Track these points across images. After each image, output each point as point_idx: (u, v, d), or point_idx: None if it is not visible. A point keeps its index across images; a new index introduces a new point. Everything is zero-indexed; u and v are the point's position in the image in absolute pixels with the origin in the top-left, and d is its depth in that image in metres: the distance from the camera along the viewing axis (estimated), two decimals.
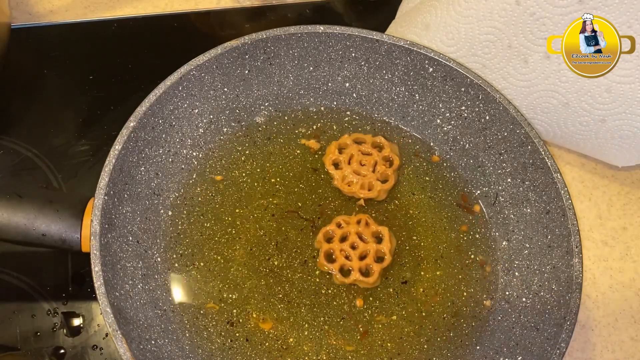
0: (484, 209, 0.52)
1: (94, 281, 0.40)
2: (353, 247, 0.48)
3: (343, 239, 0.48)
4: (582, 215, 0.57)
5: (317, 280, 0.48)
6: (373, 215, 0.50)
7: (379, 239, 0.48)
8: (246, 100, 0.53)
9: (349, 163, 0.51)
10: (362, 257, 0.48)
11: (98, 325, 0.48)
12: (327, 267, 0.47)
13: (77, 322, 0.48)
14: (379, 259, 0.48)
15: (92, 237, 0.41)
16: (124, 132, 0.45)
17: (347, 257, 0.47)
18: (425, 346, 0.46)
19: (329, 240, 0.48)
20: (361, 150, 0.51)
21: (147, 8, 0.64)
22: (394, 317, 0.47)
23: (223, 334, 0.45)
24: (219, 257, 0.48)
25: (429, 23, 0.53)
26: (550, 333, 0.43)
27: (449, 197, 0.52)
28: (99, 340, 0.47)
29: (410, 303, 0.48)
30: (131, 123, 0.45)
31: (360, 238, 0.48)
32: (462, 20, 0.51)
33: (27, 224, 0.42)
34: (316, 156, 0.53)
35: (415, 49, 0.51)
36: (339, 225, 0.49)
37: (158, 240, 0.48)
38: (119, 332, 0.39)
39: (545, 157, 0.48)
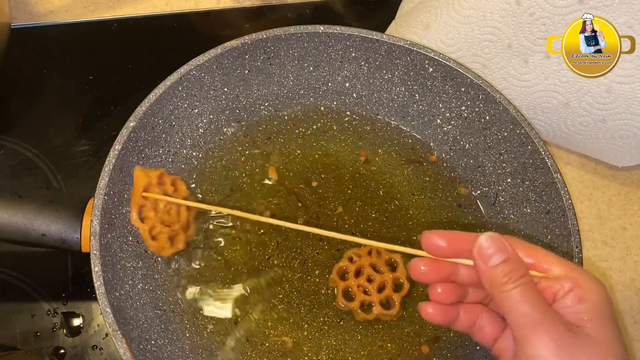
0: (482, 209, 0.52)
1: (94, 281, 0.40)
2: (369, 280, 0.47)
3: (357, 273, 0.47)
4: (582, 215, 0.57)
5: (317, 280, 0.48)
6: (373, 215, 0.50)
7: (393, 267, 0.48)
8: (246, 100, 0.53)
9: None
10: (380, 289, 0.47)
11: (98, 325, 0.48)
12: (347, 305, 0.46)
13: (77, 322, 0.48)
14: (397, 287, 0.47)
15: (92, 237, 0.41)
16: (124, 132, 0.45)
17: (365, 292, 0.46)
18: (426, 346, 0.46)
19: (343, 277, 0.47)
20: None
21: (147, 8, 0.64)
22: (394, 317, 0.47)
23: (223, 334, 0.45)
24: (219, 257, 0.48)
25: (429, 23, 0.54)
26: None
27: (449, 197, 0.52)
28: (99, 340, 0.47)
29: (410, 303, 0.47)
30: (131, 123, 0.45)
31: (375, 269, 0.47)
32: (462, 20, 0.51)
33: (27, 224, 0.42)
34: (316, 157, 0.53)
35: (415, 49, 0.51)
36: (350, 260, 0.47)
37: None
38: (119, 332, 0.39)
39: (545, 157, 0.48)
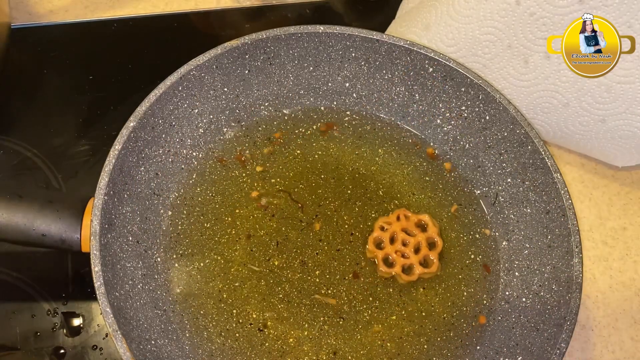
0: (482, 209, 0.52)
1: (94, 281, 0.40)
2: (404, 244, 0.48)
3: (392, 240, 0.49)
4: (582, 215, 0.57)
5: (317, 280, 0.48)
6: (373, 215, 0.50)
7: (423, 228, 0.49)
8: (246, 100, 0.53)
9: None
10: (416, 251, 0.48)
11: (98, 325, 0.48)
12: (389, 272, 0.48)
13: (77, 322, 0.48)
14: (431, 245, 0.49)
15: (92, 237, 0.41)
16: (124, 132, 0.45)
17: (403, 256, 0.48)
18: (425, 346, 0.46)
19: (379, 246, 0.49)
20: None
21: (147, 8, 0.64)
22: (394, 317, 0.47)
23: (223, 334, 0.45)
24: (219, 257, 0.48)
25: (429, 23, 0.54)
26: (550, 333, 0.43)
27: (449, 197, 0.52)
28: (99, 340, 0.47)
29: (410, 303, 0.48)
30: (131, 123, 0.45)
31: (407, 233, 0.49)
32: (462, 20, 0.51)
33: (27, 224, 0.42)
34: (316, 157, 0.53)
35: (415, 49, 0.51)
36: (382, 229, 0.49)
37: (158, 240, 0.48)
38: (119, 332, 0.39)
39: (545, 157, 0.48)
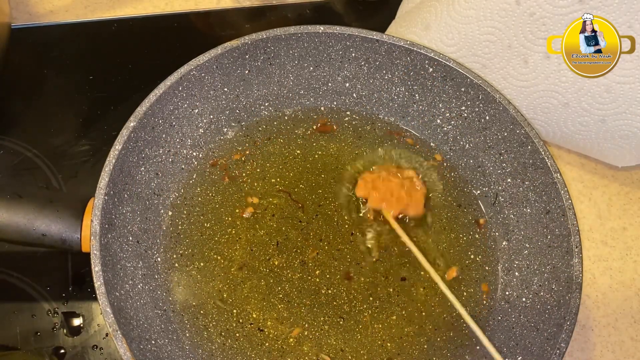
0: (482, 209, 0.52)
1: (94, 281, 0.40)
2: (388, 183, 0.50)
3: (376, 186, 0.50)
4: (582, 215, 0.57)
5: (317, 280, 0.48)
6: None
7: (403, 173, 0.52)
8: (246, 100, 0.53)
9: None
10: (401, 188, 0.50)
11: (98, 325, 0.48)
12: (379, 206, 0.50)
13: (77, 322, 0.48)
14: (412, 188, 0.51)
15: (92, 237, 0.41)
16: (124, 132, 0.45)
17: (391, 194, 0.50)
18: (425, 346, 0.46)
19: (366, 187, 0.51)
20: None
21: (147, 8, 0.64)
22: (394, 317, 0.47)
23: (223, 334, 0.45)
24: (219, 257, 0.48)
25: (429, 23, 0.54)
26: (550, 333, 0.43)
27: (449, 197, 0.52)
28: (99, 340, 0.47)
29: (410, 303, 0.48)
30: (131, 123, 0.45)
31: (389, 178, 0.51)
32: (462, 20, 0.51)
33: (27, 224, 0.42)
34: (316, 157, 0.53)
35: (415, 49, 0.51)
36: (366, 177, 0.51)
37: (158, 240, 0.48)
38: (119, 332, 0.39)
39: (545, 157, 0.48)
